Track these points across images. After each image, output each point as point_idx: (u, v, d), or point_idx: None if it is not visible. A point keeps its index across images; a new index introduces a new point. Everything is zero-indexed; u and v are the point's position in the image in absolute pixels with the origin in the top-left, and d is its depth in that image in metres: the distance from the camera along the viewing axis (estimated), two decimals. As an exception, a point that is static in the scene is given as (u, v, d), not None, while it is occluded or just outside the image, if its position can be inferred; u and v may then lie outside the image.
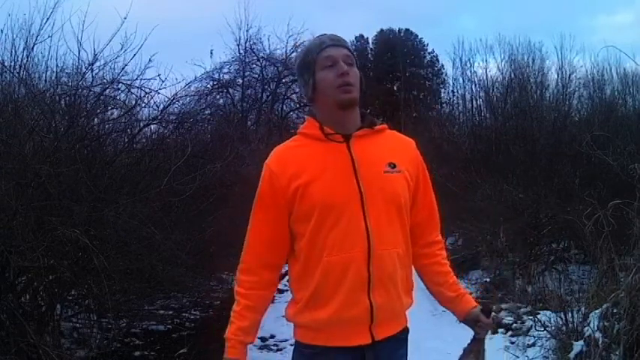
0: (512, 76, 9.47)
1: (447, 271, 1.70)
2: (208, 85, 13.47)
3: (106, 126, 4.60)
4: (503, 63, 10.39)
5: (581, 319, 3.75)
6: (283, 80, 16.17)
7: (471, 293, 1.75)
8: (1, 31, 4.55)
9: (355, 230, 1.50)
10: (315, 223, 1.50)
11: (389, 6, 32.45)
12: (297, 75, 1.65)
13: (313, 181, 1.51)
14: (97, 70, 4.38)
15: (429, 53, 25.22)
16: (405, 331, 1.65)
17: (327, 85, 1.54)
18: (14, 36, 4.57)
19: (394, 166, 1.57)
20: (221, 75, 14.69)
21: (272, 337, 5.14)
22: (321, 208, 1.50)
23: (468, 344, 1.65)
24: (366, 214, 1.50)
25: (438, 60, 24.23)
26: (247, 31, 15.13)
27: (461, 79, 14.37)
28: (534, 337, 4.22)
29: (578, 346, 3.50)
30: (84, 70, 4.34)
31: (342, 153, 1.55)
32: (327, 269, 1.50)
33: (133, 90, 4.59)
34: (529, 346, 4.21)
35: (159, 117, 5.00)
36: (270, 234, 1.57)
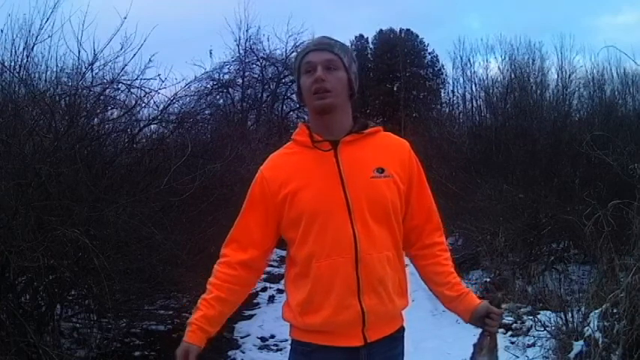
0: (513, 76, 9.47)
1: (449, 272, 1.65)
2: (208, 85, 13.47)
3: (106, 126, 4.60)
4: (503, 63, 10.41)
5: (581, 319, 3.76)
6: (283, 80, 16.16)
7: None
8: (1, 31, 4.55)
9: (342, 236, 1.52)
10: (303, 230, 1.54)
11: (391, 6, 32.44)
12: None
13: (300, 189, 1.54)
14: (97, 70, 4.39)
15: (429, 53, 25.22)
16: (401, 330, 1.66)
17: (305, 90, 1.58)
18: (14, 36, 4.57)
19: (382, 171, 1.57)
20: (221, 75, 14.69)
21: (272, 337, 5.15)
22: (307, 215, 1.53)
23: (478, 340, 1.60)
24: (353, 220, 1.52)
25: (438, 60, 24.26)
26: (247, 31, 15.13)
27: (461, 79, 14.43)
28: (534, 337, 4.22)
29: (578, 346, 3.50)
30: (84, 70, 4.35)
31: (328, 161, 1.57)
32: (317, 275, 1.53)
33: (133, 90, 4.61)
34: (529, 346, 4.21)
35: (159, 117, 5.01)
36: (253, 236, 1.60)
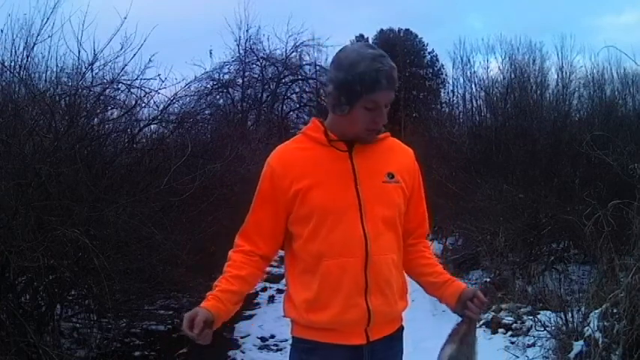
0: (513, 76, 9.47)
1: (434, 263, 1.71)
2: (208, 85, 13.49)
3: (106, 126, 4.60)
4: (503, 63, 10.42)
5: (581, 319, 3.75)
6: (283, 80, 16.20)
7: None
8: (1, 31, 4.56)
9: (353, 236, 1.53)
10: (313, 227, 1.54)
11: (391, 6, 32.38)
12: (331, 76, 1.54)
13: (314, 187, 1.54)
14: (97, 70, 4.40)
15: (429, 53, 25.21)
16: (400, 329, 1.69)
17: (359, 124, 1.54)
18: (14, 36, 4.59)
19: (392, 177, 1.60)
20: (221, 75, 14.74)
21: (272, 337, 5.15)
22: (319, 213, 1.53)
23: (456, 326, 1.59)
24: (364, 222, 1.54)
25: (437, 60, 24.24)
26: (247, 31, 15.17)
27: (461, 79, 14.44)
28: (534, 337, 4.21)
29: (578, 346, 3.49)
30: (84, 70, 4.35)
31: (344, 162, 1.57)
32: (326, 273, 1.53)
33: (133, 90, 4.62)
34: (529, 346, 4.20)
35: (159, 117, 5.01)
36: (265, 230, 1.61)
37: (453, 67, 15.29)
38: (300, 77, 16.90)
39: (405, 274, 1.69)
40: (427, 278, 1.68)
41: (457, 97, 15.22)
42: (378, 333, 1.59)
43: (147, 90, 4.67)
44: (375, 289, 1.54)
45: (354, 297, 1.53)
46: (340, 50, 1.58)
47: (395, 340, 1.65)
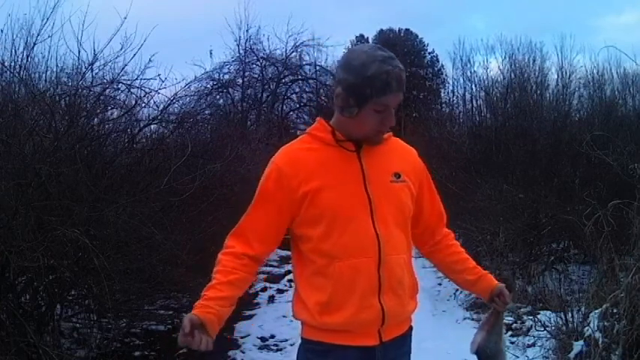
0: (513, 75, 9.48)
1: (465, 258, 1.77)
2: (208, 85, 13.48)
3: (106, 126, 4.60)
4: (503, 63, 10.43)
5: (581, 319, 3.75)
6: (283, 80, 16.18)
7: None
8: (1, 31, 4.56)
9: (365, 237, 1.53)
10: (324, 229, 1.52)
11: (391, 6, 32.39)
12: (340, 78, 1.53)
13: (324, 188, 1.52)
14: (97, 70, 4.40)
15: (429, 53, 25.24)
16: (410, 329, 1.70)
17: (368, 126, 1.53)
18: (14, 36, 4.59)
19: (399, 176, 1.60)
20: (221, 75, 14.71)
21: (272, 337, 5.14)
22: (330, 214, 1.52)
23: (486, 317, 1.76)
24: (375, 222, 1.54)
25: (438, 60, 24.29)
26: (247, 31, 15.13)
27: (461, 79, 14.43)
28: (534, 337, 4.22)
29: (578, 346, 3.49)
30: (84, 70, 4.36)
31: (353, 162, 1.56)
32: (339, 275, 1.52)
33: (133, 90, 4.62)
34: (529, 346, 4.21)
35: (159, 117, 5.01)
36: (263, 231, 1.58)
37: (453, 67, 15.30)
38: (300, 77, 16.88)
39: (417, 272, 1.70)
40: (462, 276, 1.75)
41: (457, 97, 15.23)
42: (390, 334, 1.59)
43: (147, 90, 4.68)
44: (388, 290, 1.54)
45: (368, 298, 1.52)
46: (349, 51, 1.58)
47: (405, 339, 1.66)
